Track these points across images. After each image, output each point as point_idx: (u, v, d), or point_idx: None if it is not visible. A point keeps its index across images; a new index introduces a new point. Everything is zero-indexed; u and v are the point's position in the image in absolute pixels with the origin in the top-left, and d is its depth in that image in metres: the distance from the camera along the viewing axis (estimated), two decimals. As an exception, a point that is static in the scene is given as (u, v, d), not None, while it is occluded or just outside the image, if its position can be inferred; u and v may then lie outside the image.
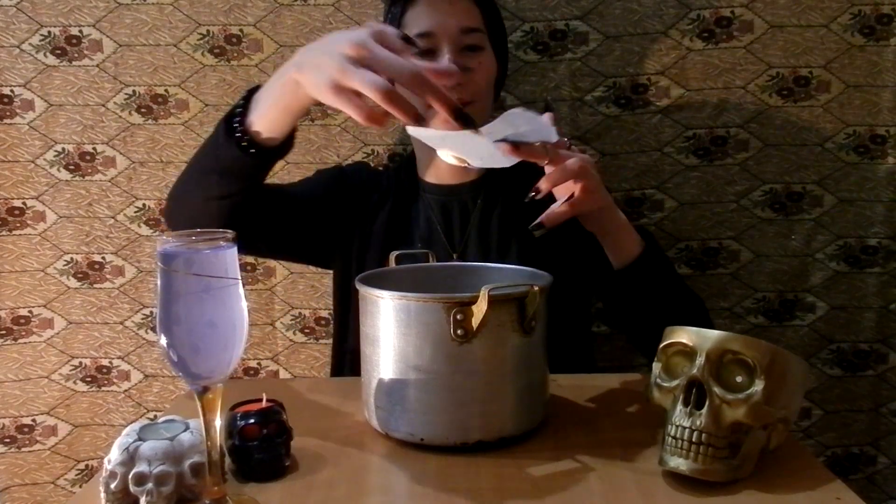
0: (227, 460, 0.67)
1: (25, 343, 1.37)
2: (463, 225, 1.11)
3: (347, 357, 1.12)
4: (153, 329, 1.37)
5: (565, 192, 0.84)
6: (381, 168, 1.23)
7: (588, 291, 1.14)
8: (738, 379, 0.64)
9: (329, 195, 1.14)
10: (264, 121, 0.85)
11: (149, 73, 1.30)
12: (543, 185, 0.83)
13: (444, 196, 1.12)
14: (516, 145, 0.79)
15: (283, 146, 0.90)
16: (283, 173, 1.32)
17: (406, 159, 1.19)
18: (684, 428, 0.63)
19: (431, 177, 1.14)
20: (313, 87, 0.75)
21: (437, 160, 1.11)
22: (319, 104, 0.78)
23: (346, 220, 1.13)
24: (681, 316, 0.89)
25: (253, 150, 0.87)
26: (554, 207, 0.84)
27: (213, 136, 0.91)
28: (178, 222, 1.01)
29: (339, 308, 1.16)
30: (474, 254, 1.08)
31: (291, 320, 1.38)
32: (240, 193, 0.92)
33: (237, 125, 0.87)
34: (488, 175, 1.12)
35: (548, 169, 0.83)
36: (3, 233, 1.34)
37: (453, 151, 0.86)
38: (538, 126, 0.80)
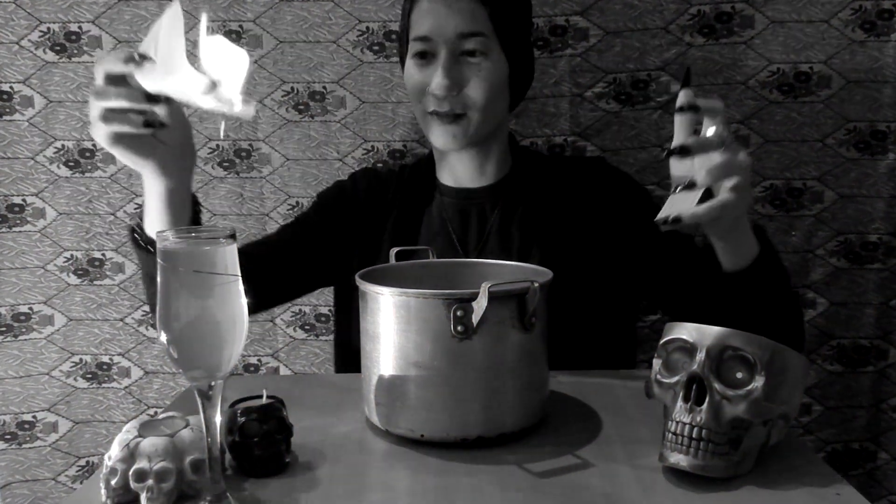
0: (228, 457, 0.67)
1: (26, 340, 1.37)
2: (480, 230, 1.07)
3: (349, 353, 1.12)
4: (153, 326, 1.37)
5: (711, 185, 0.74)
6: (393, 168, 1.20)
7: (630, 292, 1.11)
8: (739, 375, 0.64)
9: (326, 222, 1.12)
10: (149, 221, 0.87)
11: (148, 69, 1.30)
12: (705, 178, 0.72)
13: (462, 200, 1.09)
14: (685, 149, 0.72)
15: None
16: (282, 169, 1.32)
17: (424, 159, 1.16)
18: (685, 424, 0.63)
19: (449, 179, 1.11)
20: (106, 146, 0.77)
21: (454, 162, 1.09)
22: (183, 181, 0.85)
23: (347, 236, 1.11)
24: (781, 334, 0.87)
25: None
26: (692, 203, 0.73)
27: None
28: None
29: (338, 306, 1.15)
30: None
31: (292, 317, 1.38)
32: None
33: (137, 234, 0.89)
34: (508, 178, 1.09)
35: (710, 159, 0.73)
36: (3, 230, 1.34)
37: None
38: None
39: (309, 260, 1.11)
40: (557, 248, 1.02)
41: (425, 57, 1.00)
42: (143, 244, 0.88)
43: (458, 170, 1.09)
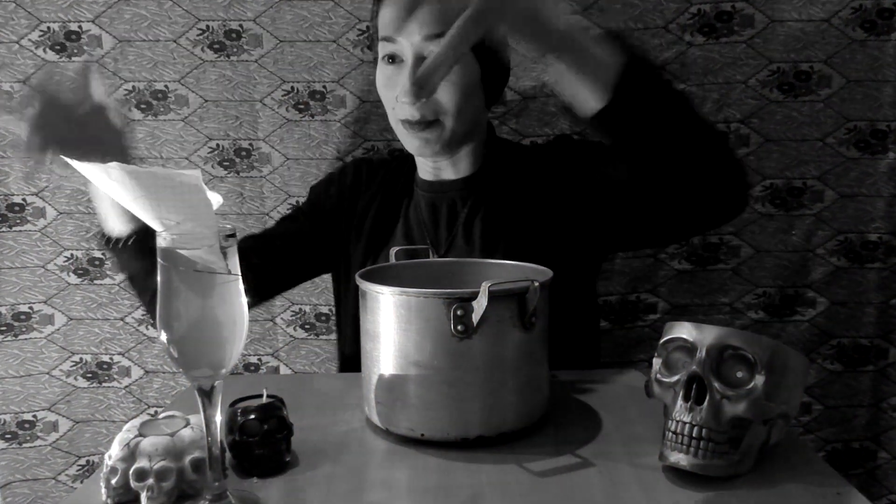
0: (228, 456, 0.67)
1: (26, 339, 1.37)
2: (450, 224, 1.05)
3: (343, 358, 1.12)
4: (154, 325, 1.37)
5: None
6: (385, 157, 1.19)
7: (595, 269, 1.11)
8: (739, 374, 0.64)
9: (318, 213, 1.13)
10: (108, 222, 0.89)
11: (148, 68, 1.30)
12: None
13: (434, 193, 1.07)
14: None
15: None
16: (282, 168, 1.32)
17: (410, 154, 1.13)
18: (685, 423, 0.63)
19: (425, 173, 1.09)
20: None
21: (426, 159, 1.07)
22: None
23: (340, 226, 1.11)
24: (703, 138, 0.75)
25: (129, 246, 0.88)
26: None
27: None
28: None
29: (336, 307, 1.16)
30: (459, 254, 1.02)
31: (292, 316, 1.38)
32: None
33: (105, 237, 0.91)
34: (481, 172, 1.07)
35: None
36: (4, 229, 1.34)
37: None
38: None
39: (304, 251, 1.12)
40: (523, 241, 0.99)
41: (395, 60, 0.97)
42: (111, 245, 0.90)
43: (432, 165, 1.07)
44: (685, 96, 0.78)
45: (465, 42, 0.59)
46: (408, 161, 1.13)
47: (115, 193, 0.57)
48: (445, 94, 0.96)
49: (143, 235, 0.89)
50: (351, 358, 1.05)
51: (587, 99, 0.69)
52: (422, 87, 0.59)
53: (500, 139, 1.14)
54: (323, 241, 1.12)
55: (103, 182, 0.57)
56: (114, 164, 0.54)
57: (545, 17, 0.63)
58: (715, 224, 0.88)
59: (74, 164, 0.58)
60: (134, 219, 0.84)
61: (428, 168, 1.08)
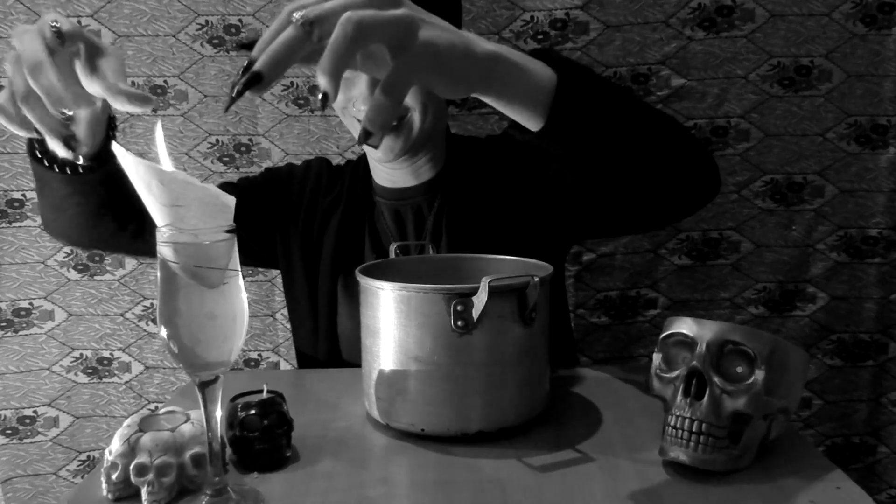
0: (228, 451, 0.67)
1: (26, 335, 1.37)
2: (418, 231, 1.02)
3: (300, 357, 1.10)
4: (154, 321, 1.37)
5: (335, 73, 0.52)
6: (342, 165, 1.14)
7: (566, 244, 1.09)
8: (739, 369, 0.64)
9: (264, 198, 1.07)
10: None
11: (147, 63, 1.30)
12: (322, 80, 0.51)
13: (396, 201, 1.03)
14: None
15: (101, 157, 0.81)
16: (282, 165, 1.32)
17: (361, 161, 1.09)
18: (685, 418, 0.63)
19: (384, 179, 1.04)
20: None
21: (386, 165, 1.02)
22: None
23: (287, 221, 1.06)
24: (659, 136, 0.72)
25: (68, 171, 0.80)
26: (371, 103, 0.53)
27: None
28: (55, 235, 0.96)
29: (290, 313, 1.11)
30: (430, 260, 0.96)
31: (292, 312, 1.38)
32: (93, 205, 0.86)
33: (37, 146, 0.80)
34: (444, 173, 1.03)
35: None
36: (3, 225, 1.34)
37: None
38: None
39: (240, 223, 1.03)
40: (491, 239, 0.95)
41: None
42: (39, 156, 0.80)
43: (389, 171, 1.03)
44: (630, 94, 0.73)
45: (400, 92, 0.53)
46: (361, 168, 1.08)
47: (143, 187, 0.57)
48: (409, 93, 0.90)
49: (98, 172, 0.82)
50: (323, 359, 1.03)
51: (524, 122, 0.65)
52: (368, 137, 0.53)
53: (456, 137, 1.10)
54: (262, 225, 1.06)
55: (134, 175, 0.57)
56: (175, 171, 0.54)
57: (470, 54, 0.57)
58: (688, 211, 0.85)
59: (120, 153, 0.58)
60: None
61: (385, 175, 1.04)
